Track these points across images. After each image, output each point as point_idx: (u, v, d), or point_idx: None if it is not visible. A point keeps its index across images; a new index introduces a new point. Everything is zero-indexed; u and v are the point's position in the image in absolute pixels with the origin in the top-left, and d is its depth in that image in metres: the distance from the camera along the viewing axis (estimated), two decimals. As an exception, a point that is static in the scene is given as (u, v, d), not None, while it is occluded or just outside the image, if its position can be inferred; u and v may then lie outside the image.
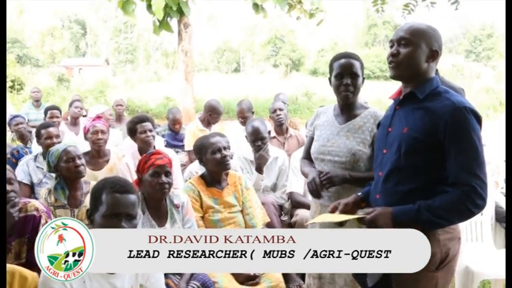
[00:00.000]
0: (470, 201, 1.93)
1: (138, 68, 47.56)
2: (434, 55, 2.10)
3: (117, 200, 2.02)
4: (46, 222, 2.73)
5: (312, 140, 2.91)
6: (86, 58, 55.13)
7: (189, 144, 5.62)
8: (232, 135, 5.82)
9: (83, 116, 7.99)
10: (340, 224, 2.18)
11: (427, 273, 2.03)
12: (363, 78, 2.73)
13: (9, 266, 2.00)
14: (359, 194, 2.39)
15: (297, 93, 21.45)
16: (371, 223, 2.04)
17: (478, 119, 2.00)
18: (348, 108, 2.76)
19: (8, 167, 2.74)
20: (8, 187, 2.57)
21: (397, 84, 2.25)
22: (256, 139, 4.11)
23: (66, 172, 3.18)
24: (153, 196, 2.92)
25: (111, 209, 2.01)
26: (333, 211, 2.28)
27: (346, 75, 2.64)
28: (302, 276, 3.95)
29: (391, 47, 2.16)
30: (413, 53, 2.08)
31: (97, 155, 4.15)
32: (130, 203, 2.05)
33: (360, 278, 2.20)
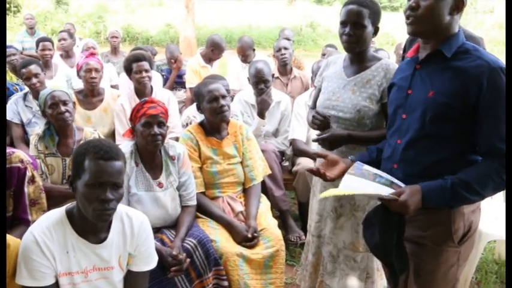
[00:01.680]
0: (505, 172, 1.72)
1: (139, -9, 45.93)
2: (459, 5, 1.80)
3: (101, 167, 1.79)
4: (32, 174, 2.56)
5: (320, 91, 2.68)
6: (85, -21, 53.24)
7: (190, 81, 5.44)
8: (234, 72, 5.61)
9: (76, 46, 7.68)
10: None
11: (449, 249, 1.89)
12: (376, 28, 2.43)
13: None
14: (350, 157, 2.20)
15: (301, 23, 20.72)
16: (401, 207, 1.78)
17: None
18: (357, 60, 2.50)
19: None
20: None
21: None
22: (260, 81, 3.88)
23: (51, 118, 2.98)
24: (145, 148, 2.71)
25: (94, 177, 1.79)
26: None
27: (349, 24, 2.37)
28: (302, 227, 3.87)
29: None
30: (435, 5, 1.78)
31: (90, 94, 3.97)
32: (116, 171, 1.83)
33: (385, 248, 1.96)
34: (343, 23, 2.40)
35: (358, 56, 2.48)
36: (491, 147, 1.74)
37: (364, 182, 1.88)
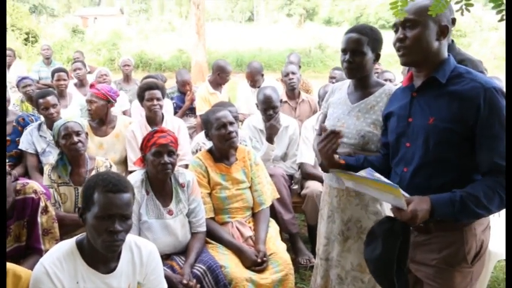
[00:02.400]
0: (506, 189, 1.72)
1: (152, 18, 46.71)
2: (444, 31, 1.85)
3: (110, 200, 1.83)
4: (45, 204, 2.61)
5: (325, 117, 2.70)
6: (100, 7, 54.33)
7: (199, 108, 5.51)
8: (243, 97, 5.67)
9: (88, 73, 7.81)
10: None
11: (462, 270, 1.89)
12: (377, 54, 2.46)
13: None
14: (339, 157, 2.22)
15: (311, 45, 20.90)
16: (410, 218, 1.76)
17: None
18: (360, 86, 2.53)
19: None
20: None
21: None
22: (268, 108, 3.90)
23: (64, 148, 3.03)
24: (156, 176, 2.74)
25: (103, 210, 1.82)
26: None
27: (348, 52, 2.42)
28: (312, 250, 3.85)
29: (396, 31, 1.91)
30: (421, 34, 1.84)
31: (102, 122, 4.01)
32: (125, 203, 1.86)
33: (386, 272, 1.94)
34: (344, 51, 2.45)
35: (361, 82, 2.51)
36: (493, 165, 1.75)
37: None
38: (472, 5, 1.30)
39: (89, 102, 3.96)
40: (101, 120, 4.00)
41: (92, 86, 4.17)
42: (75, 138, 3.01)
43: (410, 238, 1.87)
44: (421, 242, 1.93)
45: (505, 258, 3.41)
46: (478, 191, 1.74)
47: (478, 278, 1.98)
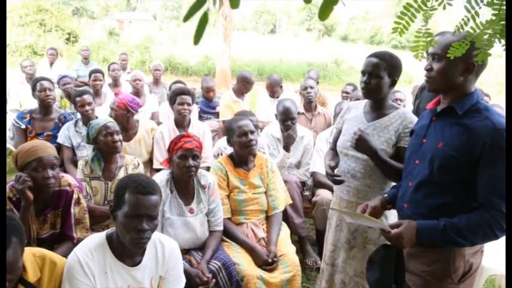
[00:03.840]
0: (497, 226, 1.73)
1: (182, 25, 46.99)
2: (470, 68, 1.82)
3: (139, 201, 1.85)
4: (78, 196, 2.66)
5: (340, 132, 2.71)
6: (135, 12, 54.75)
7: (223, 114, 5.54)
8: (263, 106, 5.69)
9: (128, 73, 7.90)
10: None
11: (448, 286, 1.90)
12: (393, 80, 2.45)
13: (40, 251, 1.89)
14: (385, 195, 2.21)
15: (327, 60, 20.84)
16: (395, 239, 1.85)
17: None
18: (376, 107, 2.53)
19: (53, 151, 2.62)
20: (49, 172, 2.48)
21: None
22: (287, 119, 3.92)
23: (104, 146, 3.05)
24: (180, 177, 2.77)
25: (133, 209, 1.84)
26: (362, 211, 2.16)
27: (366, 73, 2.43)
28: (319, 253, 3.85)
29: (427, 59, 1.92)
30: (445, 69, 1.84)
31: (125, 128, 3.99)
32: (152, 205, 1.88)
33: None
34: (363, 72, 2.47)
35: (377, 103, 2.51)
36: (486, 200, 1.75)
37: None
38: (489, 55, 1.28)
39: (111, 109, 3.99)
40: (123, 126, 4.00)
41: (116, 94, 4.21)
42: (116, 137, 3.05)
43: (404, 262, 1.94)
44: (414, 254, 1.96)
45: (496, 273, 3.39)
46: (463, 223, 1.76)
47: None
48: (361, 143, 2.38)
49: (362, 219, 2.04)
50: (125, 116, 3.95)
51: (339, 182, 2.48)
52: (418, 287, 1.96)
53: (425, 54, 1.46)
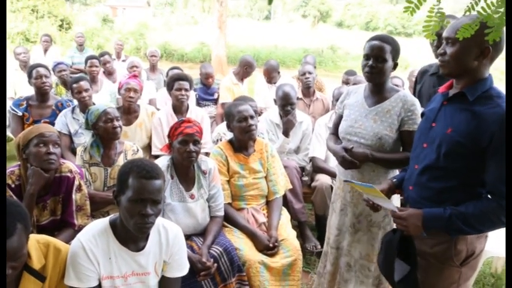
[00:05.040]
0: (504, 214, 1.71)
1: (176, 11, 46.54)
2: (485, 52, 1.78)
3: (143, 185, 1.84)
4: (79, 183, 2.64)
5: (340, 117, 2.70)
6: (129, -1, 54.16)
7: (223, 97, 5.54)
8: (260, 91, 5.68)
9: (123, 61, 7.83)
10: (374, 208, 2.18)
11: (450, 268, 1.91)
12: (395, 64, 2.45)
13: (44, 238, 1.88)
14: (394, 180, 2.22)
15: (323, 46, 20.74)
16: (401, 220, 1.89)
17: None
18: (377, 90, 2.52)
19: (55, 130, 2.63)
20: (52, 148, 2.48)
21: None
22: (286, 104, 3.92)
23: (103, 132, 3.03)
24: (181, 162, 2.75)
25: (137, 194, 1.83)
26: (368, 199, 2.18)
27: (371, 57, 2.40)
28: (318, 237, 3.87)
29: (439, 43, 1.90)
30: (459, 53, 1.80)
31: (127, 111, 4.01)
32: (156, 189, 1.87)
33: (387, 272, 2.03)
34: (367, 56, 2.44)
35: (378, 87, 2.50)
36: (494, 188, 1.74)
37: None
38: (500, 34, 1.26)
39: (133, 90, 3.94)
40: (127, 109, 4.01)
41: (135, 76, 4.18)
42: (116, 123, 3.03)
43: (414, 245, 1.96)
44: (419, 235, 1.95)
45: (494, 255, 3.44)
46: (470, 211, 1.76)
47: (469, 279, 1.99)
48: (347, 164, 2.46)
49: (373, 195, 2.04)
50: (135, 99, 3.96)
51: (355, 166, 2.47)
52: (421, 268, 1.97)
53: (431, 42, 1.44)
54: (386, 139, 2.42)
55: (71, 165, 2.66)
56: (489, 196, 1.78)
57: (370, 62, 2.40)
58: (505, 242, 1.60)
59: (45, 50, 8.28)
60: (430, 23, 1.38)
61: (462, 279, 1.94)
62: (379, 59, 2.38)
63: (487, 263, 3.88)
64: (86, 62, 5.71)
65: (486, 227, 1.79)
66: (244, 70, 5.70)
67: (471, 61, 1.81)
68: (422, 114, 2.14)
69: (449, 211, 1.78)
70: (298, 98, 4.53)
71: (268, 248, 2.83)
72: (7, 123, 4.13)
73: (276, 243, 2.87)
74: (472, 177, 1.81)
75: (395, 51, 2.41)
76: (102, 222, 1.97)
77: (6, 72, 3.82)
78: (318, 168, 3.94)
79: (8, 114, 4.12)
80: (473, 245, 1.89)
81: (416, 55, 17.42)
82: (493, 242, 3.12)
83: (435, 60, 2.65)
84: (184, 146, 2.69)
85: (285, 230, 3.05)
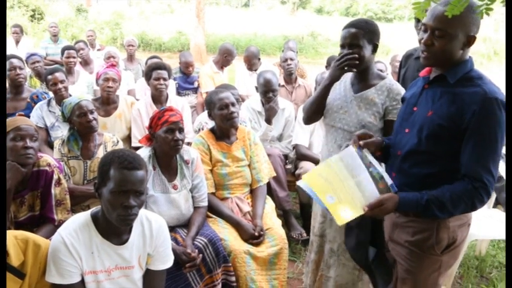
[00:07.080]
0: (478, 198, 1.73)
1: (152, 0, 45.90)
2: (471, 41, 1.78)
3: (125, 176, 1.81)
4: (58, 177, 2.59)
5: None
6: (103, -13, 53.20)
7: (204, 86, 5.52)
8: (241, 79, 5.66)
9: (98, 50, 7.69)
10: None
11: (431, 257, 1.91)
12: (375, 45, 2.42)
13: (23, 234, 1.84)
14: (385, 141, 2.13)
15: (303, 33, 20.68)
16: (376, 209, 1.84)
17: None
18: (362, 77, 2.50)
19: (33, 123, 2.56)
20: (29, 142, 2.41)
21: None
22: (268, 91, 3.90)
23: (78, 126, 2.97)
24: (166, 152, 2.72)
25: (119, 185, 1.80)
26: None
27: (346, 46, 2.39)
28: (303, 225, 3.88)
29: (425, 31, 1.81)
30: (448, 45, 1.77)
31: (106, 102, 3.94)
32: (139, 180, 1.84)
33: (359, 256, 2.05)
34: (342, 46, 2.42)
35: (363, 73, 2.48)
36: (470, 170, 1.74)
37: (358, 163, 1.92)
38: (491, 9, 1.27)
39: (112, 80, 3.86)
40: (106, 100, 3.93)
41: (113, 65, 4.10)
42: (90, 116, 2.96)
43: (382, 227, 1.97)
44: (399, 223, 1.97)
45: (478, 238, 3.51)
46: (446, 196, 1.75)
47: (450, 267, 2.01)
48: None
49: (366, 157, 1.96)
50: (114, 89, 3.89)
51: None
52: (402, 257, 1.98)
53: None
54: (370, 127, 2.41)
55: (49, 158, 2.60)
56: (464, 179, 1.76)
57: (345, 51, 2.38)
58: (505, 243, 1.62)
59: (17, 42, 8.07)
60: (419, 2, 1.37)
61: (443, 267, 1.95)
62: (353, 46, 2.36)
63: (471, 245, 3.95)
64: (62, 53, 5.60)
65: (458, 211, 1.79)
66: (224, 58, 5.68)
67: (458, 51, 1.79)
68: (403, 100, 2.12)
69: (426, 197, 1.77)
70: (280, 85, 4.51)
71: (254, 237, 2.83)
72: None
73: (262, 232, 2.87)
74: (454, 163, 1.79)
75: (372, 33, 2.38)
76: (84, 216, 1.94)
77: (6, 72, 3.72)
78: (301, 156, 3.94)
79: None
80: (455, 233, 1.89)
81: (397, 40, 17.50)
82: (477, 225, 3.19)
83: (418, 45, 2.63)
84: (170, 134, 2.66)
85: (270, 219, 3.05)
